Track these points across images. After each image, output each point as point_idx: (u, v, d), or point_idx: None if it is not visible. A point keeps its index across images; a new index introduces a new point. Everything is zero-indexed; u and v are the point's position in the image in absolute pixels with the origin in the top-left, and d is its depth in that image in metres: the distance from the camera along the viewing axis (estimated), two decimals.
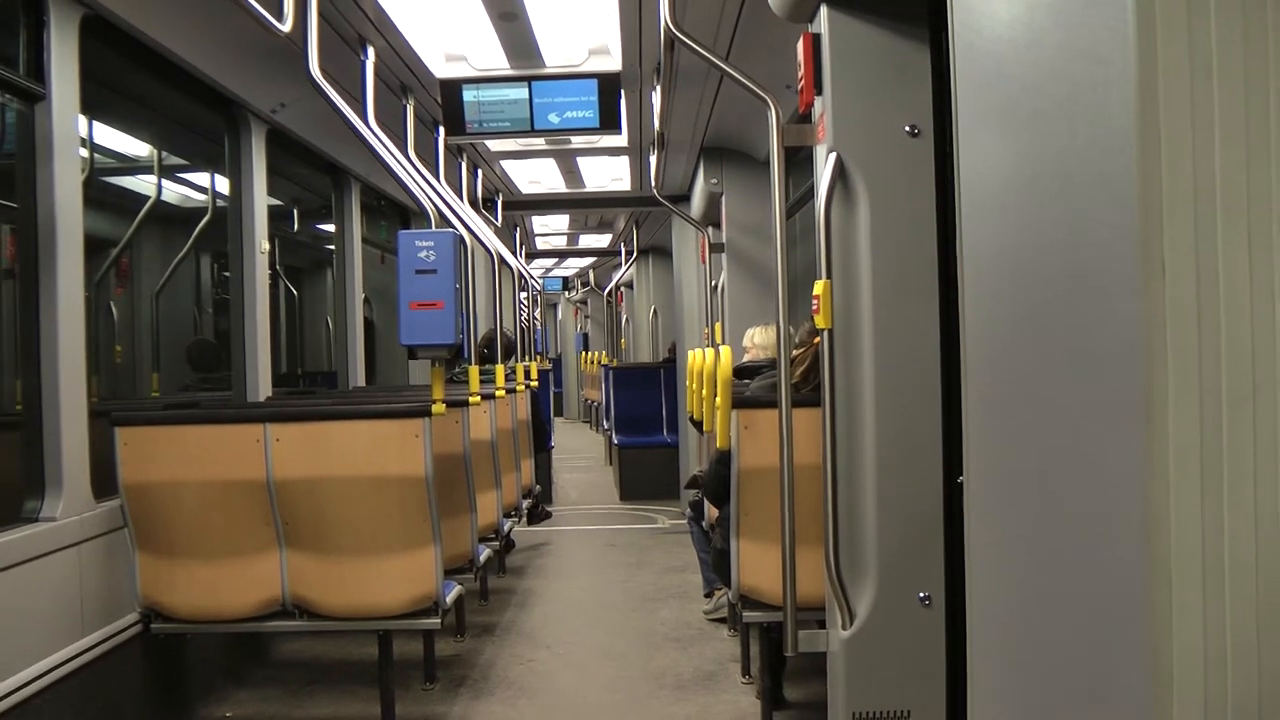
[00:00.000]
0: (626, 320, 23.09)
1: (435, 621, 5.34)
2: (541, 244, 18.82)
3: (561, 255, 21.67)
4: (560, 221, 16.50)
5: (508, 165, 10.72)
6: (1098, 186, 1.80)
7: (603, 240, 18.95)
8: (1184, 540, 1.63)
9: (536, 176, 11.53)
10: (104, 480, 5.18)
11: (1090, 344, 1.86)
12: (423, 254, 5.11)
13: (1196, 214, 1.62)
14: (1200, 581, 1.63)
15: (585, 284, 27.52)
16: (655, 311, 19.36)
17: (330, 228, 9.97)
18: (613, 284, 21.65)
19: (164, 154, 8.60)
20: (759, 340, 6.68)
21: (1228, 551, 1.62)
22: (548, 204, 12.97)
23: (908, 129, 4.02)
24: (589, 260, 23.00)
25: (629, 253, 18.00)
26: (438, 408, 5.28)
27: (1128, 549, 1.72)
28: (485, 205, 11.25)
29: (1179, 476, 1.63)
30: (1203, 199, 1.62)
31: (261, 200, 7.17)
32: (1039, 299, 2.09)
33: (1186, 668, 1.63)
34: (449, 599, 5.41)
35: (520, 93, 7.15)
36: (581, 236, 18.51)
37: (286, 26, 4.97)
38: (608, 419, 16.15)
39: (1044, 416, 2.09)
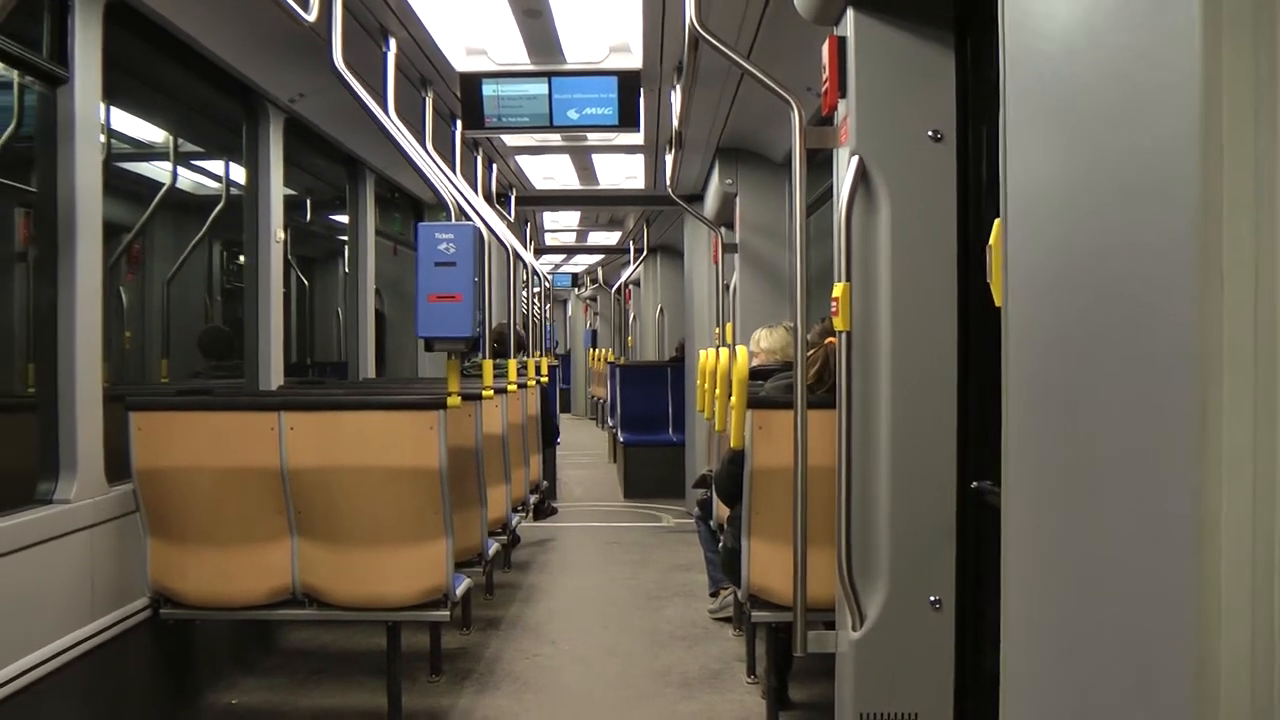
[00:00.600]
0: (634, 318, 23.10)
1: (444, 614, 5.34)
2: (550, 240, 18.83)
3: (570, 252, 21.67)
4: (570, 218, 16.50)
5: (522, 160, 10.73)
6: (1157, 191, 1.80)
7: (612, 238, 18.95)
8: (1235, 548, 1.63)
9: (551, 172, 11.53)
10: (117, 464, 5.19)
11: (1144, 348, 1.86)
12: (442, 246, 5.11)
13: (1257, 219, 1.62)
14: (1250, 589, 1.63)
15: (594, 281, 27.51)
16: (662, 310, 19.36)
17: (342, 218, 9.98)
18: (621, 281, 21.63)
19: (180, 141, 8.62)
20: (765, 345, 6.65)
21: (1279, 559, 1.63)
22: (561, 200, 12.98)
23: (930, 133, 4.02)
24: (598, 257, 22.98)
25: (638, 251, 18.00)
26: (453, 400, 5.28)
27: (1176, 555, 1.72)
28: (499, 200, 11.27)
29: (1231, 483, 1.63)
30: (1263, 204, 1.62)
31: (278, 189, 7.18)
32: (1090, 303, 2.08)
33: (1234, 676, 1.63)
34: (459, 592, 5.41)
35: (540, 88, 7.16)
36: (591, 233, 18.51)
37: (312, 16, 4.99)
38: (613, 416, 16.15)
39: (1092, 421, 2.09)
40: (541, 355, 11.72)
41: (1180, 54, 1.71)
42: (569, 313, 34.63)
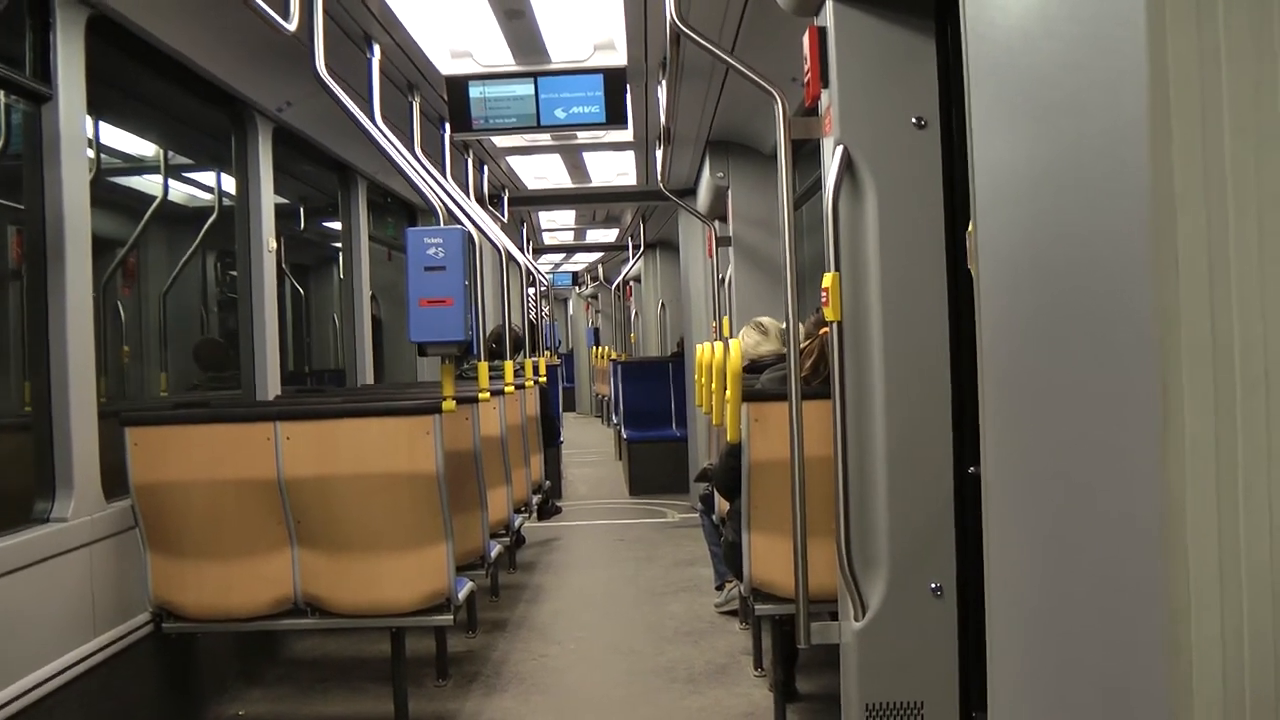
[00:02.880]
0: (636, 314, 23.09)
1: (448, 618, 5.34)
2: (549, 239, 18.82)
3: (569, 250, 21.67)
4: (567, 217, 16.50)
5: (514, 161, 10.72)
6: (1111, 178, 1.80)
7: (610, 235, 18.95)
8: (1200, 529, 1.63)
9: (543, 172, 11.54)
10: (115, 480, 5.18)
11: (1105, 335, 1.86)
12: (431, 251, 5.11)
13: (1208, 203, 1.62)
14: (1217, 570, 1.63)
15: (595, 279, 27.48)
16: (663, 305, 19.34)
17: (336, 226, 9.98)
18: (621, 278, 21.62)
19: (170, 153, 8.60)
20: (747, 344, 6.55)
21: (1243, 540, 1.62)
22: (554, 199, 12.99)
23: (914, 121, 4.01)
24: (598, 255, 22.97)
25: (636, 247, 17.99)
26: (448, 404, 5.28)
27: (1144, 539, 1.72)
28: (491, 201, 11.26)
29: (1194, 466, 1.63)
30: (1213, 188, 1.62)
31: (268, 199, 7.17)
32: (1055, 291, 2.09)
33: (1204, 658, 1.63)
34: (461, 595, 5.41)
35: (526, 89, 7.16)
36: (589, 231, 18.52)
37: (292, 25, 4.97)
38: (617, 414, 16.15)
39: (1060, 407, 2.09)
40: (540, 355, 11.71)
41: (1128, 41, 1.71)
42: (570, 311, 34.62)
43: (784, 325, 6.63)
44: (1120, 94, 1.74)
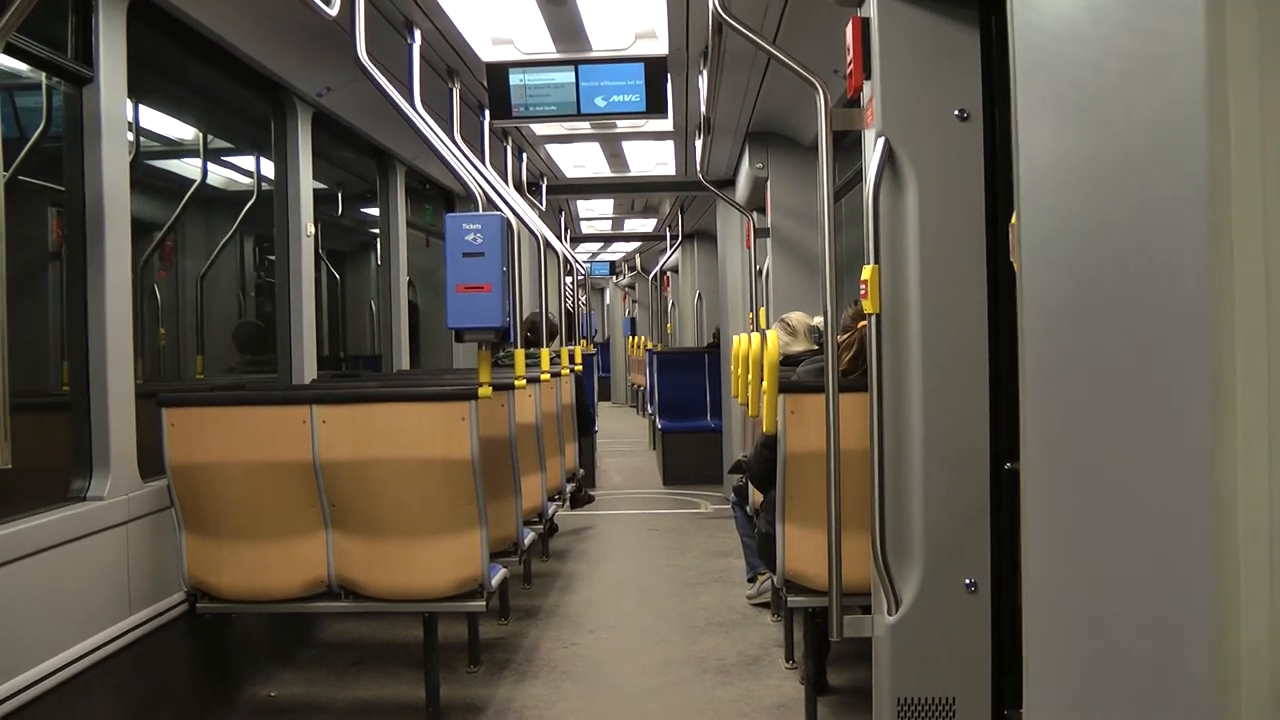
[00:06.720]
0: (672, 305, 23.06)
1: (480, 604, 5.34)
2: (586, 228, 18.81)
3: (606, 240, 21.66)
4: (605, 206, 16.49)
5: (552, 149, 10.73)
6: (1163, 165, 1.77)
7: (648, 225, 18.94)
8: (1251, 525, 1.60)
9: (581, 161, 11.53)
10: (151, 460, 5.20)
11: (1155, 325, 1.83)
12: (470, 237, 5.12)
13: (1265, 190, 1.59)
14: (1268, 567, 1.60)
15: (632, 268, 27.47)
16: (700, 296, 19.32)
17: (374, 211, 10.00)
18: (658, 268, 21.60)
19: (209, 137, 8.63)
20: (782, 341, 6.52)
21: None
22: (592, 188, 12.97)
23: (956, 113, 3.98)
24: (636, 244, 22.96)
25: (674, 237, 17.98)
26: (484, 391, 5.28)
27: (1194, 532, 1.70)
28: (530, 189, 11.26)
29: (1246, 457, 1.60)
30: (1271, 175, 1.59)
31: (307, 184, 7.19)
32: (1102, 281, 2.06)
33: (1253, 655, 1.61)
34: (494, 582, 5.41)
35: (567, 76, 7.13)
36: (626, 221, 18.50)
37: (334, 10, 4.97)
38: (652, 403, 16.16)
39: (1105, 399, 2.06)
40: (576, 344, 11.71)
41: (1184, 26, 1.68)
42: (607, 301, 34.64)
43: (813, 320, 6.67)
44: (1172, 78, 1.72)
